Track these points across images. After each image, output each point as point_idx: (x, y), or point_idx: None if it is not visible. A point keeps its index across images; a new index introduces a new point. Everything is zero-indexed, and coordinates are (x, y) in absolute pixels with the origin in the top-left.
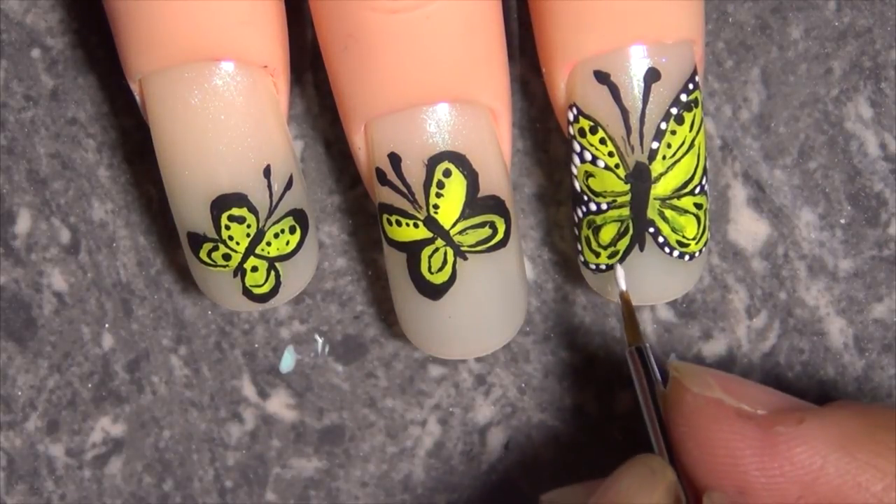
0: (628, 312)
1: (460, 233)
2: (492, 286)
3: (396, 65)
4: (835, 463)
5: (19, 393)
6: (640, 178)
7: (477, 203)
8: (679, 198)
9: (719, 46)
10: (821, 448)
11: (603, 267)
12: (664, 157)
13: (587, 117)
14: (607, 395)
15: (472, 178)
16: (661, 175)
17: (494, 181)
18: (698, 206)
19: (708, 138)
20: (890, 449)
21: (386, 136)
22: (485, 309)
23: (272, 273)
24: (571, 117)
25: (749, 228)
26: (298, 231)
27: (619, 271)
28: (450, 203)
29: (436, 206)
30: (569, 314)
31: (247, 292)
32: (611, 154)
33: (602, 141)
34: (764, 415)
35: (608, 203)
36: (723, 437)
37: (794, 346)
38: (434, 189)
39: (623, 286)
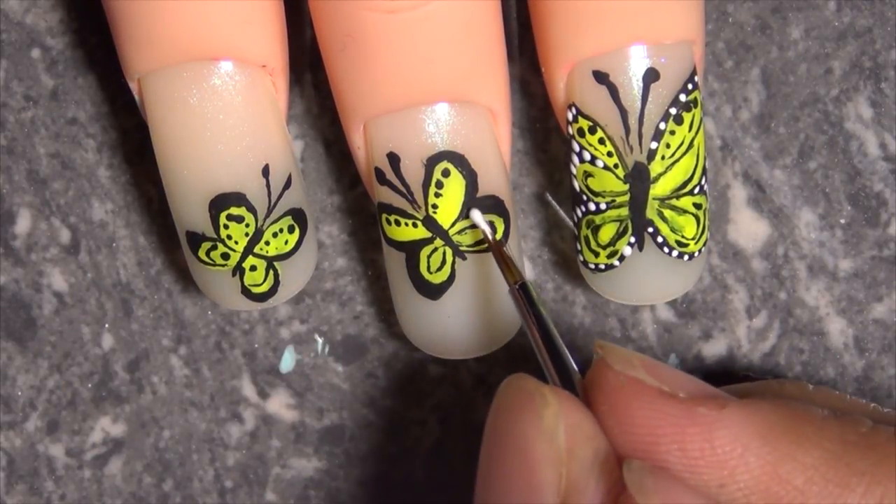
0: (500, 253)
1: (459, 233)
2: (491, 286)
3: (395, 65)
4: (756, 452)
5: (19, 393)
6: (638, 178)
7: (476, 203)
8: (678, 198)
9: (719, 46)
10: (742, 435)
11: (602, 267)
12: (663, 158)
13: (586, 117)
14: None
15: (470, 177)
16: (660, 175)
17: (493, 181)
18: (697, 206)
19: (708, 138)
20: (811, 442)
21: (385, 135)
22: (484, 309)
23: (271, 272)
24: (570, 117)
25: (749, 228)
26: (297, 230)
27: (476, 216)
28: (448, 203)
29: (434, 206)
30: (569, 314)
31: (245, 291)
32: (610, 154)
33: (601, 141)
34: (685, 397)
35: (607, 203)
36: (643, 414)
37: (794, 346)
38: (433, 189)
39: (486, 228)
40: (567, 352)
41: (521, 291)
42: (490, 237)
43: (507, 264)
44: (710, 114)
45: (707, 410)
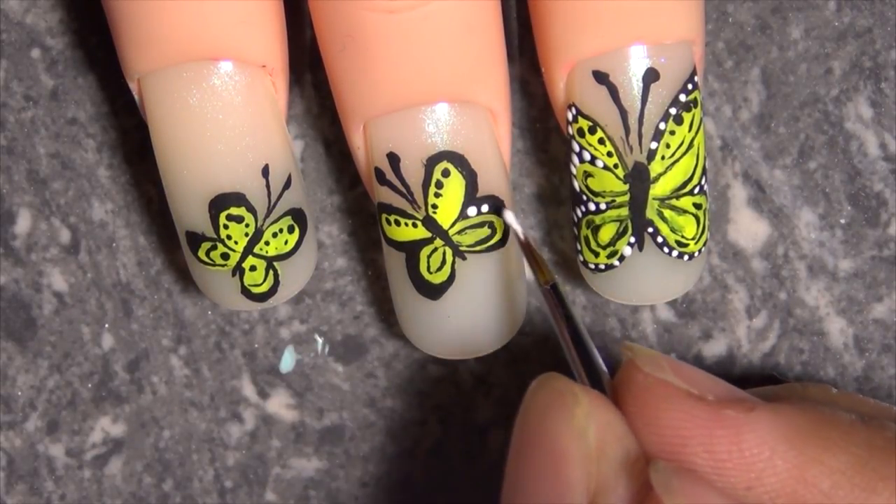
0: (531, 253)
1: (459, 233)
2: (491, 286)
3: (394, 65)
4: (783, 456)
5: (19, 393)
6: (638, 178)
7: (475, 203)
8: (678, 198)
9: (719, 46)
10: (769, 439)
11: (602, 267)
12: (663, 158)
13: (586, 117)
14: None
15: (470, 178)
16: (660, 175)
17: (493, 181)
18: (697, 206)
19: (708, 138)
20: (838, 446)
21: (384, 135)
22: (484, 309)
23: (271, 272)
24: (570, 117)
25: (749, 228)
26: (297, 230)
27: (508, 216)
28: (448, 203)
29: (434, 206)
30: None
31: (245, 291)
32: (609, 154)
33: (601, 141)
34: (713, 399)
35: (607, 203)
36: (671, 416)
37: (794, 346)
38: (433, 189)
39: (518, 228)
40: (597, 352)
41: (552, 291)
42: (522, 237)
43: (538, 264)
44: (710, 114)
45: (735, 413)
